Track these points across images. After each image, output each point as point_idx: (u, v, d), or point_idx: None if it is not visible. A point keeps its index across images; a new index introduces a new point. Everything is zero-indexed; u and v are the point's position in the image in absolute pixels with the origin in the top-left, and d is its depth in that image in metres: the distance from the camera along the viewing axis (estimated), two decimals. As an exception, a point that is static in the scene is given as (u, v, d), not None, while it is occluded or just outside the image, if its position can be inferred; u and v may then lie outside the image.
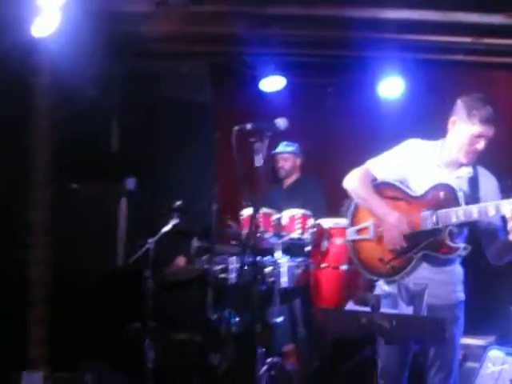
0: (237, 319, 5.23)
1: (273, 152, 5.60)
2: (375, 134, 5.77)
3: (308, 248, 4.84)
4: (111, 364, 4.55)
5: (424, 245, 3.15)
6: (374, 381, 2.84)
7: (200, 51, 5.75)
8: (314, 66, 5.91)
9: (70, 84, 5.12)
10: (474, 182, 3.19)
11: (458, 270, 3.29)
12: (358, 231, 3.43)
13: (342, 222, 4.73)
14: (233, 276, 5.13)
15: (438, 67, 5.87)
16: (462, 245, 3.10)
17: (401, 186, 3.30)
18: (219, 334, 5.06)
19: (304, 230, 4.79)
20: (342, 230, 4.72)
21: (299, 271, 4.93)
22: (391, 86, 5.79)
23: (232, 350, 5.08)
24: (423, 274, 3.20)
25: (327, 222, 4.77)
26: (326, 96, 5.96)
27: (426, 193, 3.20)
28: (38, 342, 4.81)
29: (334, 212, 5.04)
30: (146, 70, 5.67)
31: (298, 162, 5.67)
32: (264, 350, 4.95)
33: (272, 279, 4.97)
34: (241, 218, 4.93)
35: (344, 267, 4.68)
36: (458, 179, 3.20)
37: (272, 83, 5.82)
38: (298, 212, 4.83)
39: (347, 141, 5.96)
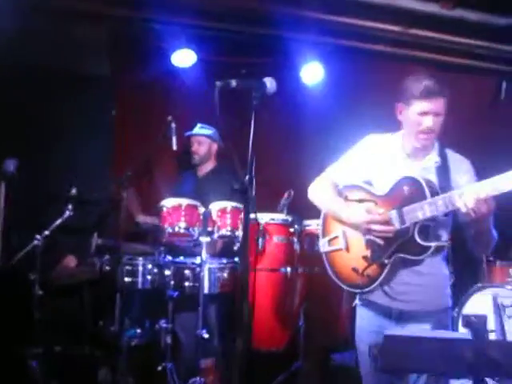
0: (138, 330, 4.53)
1: (186, 134, 4.95)
2: (298, 121, 5.39)
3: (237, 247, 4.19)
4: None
5: (395, 247, 2.83)
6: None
7: (98, 12, 4.78)
8: (229, 43, 5.22)
9: None
10: (442, 170, 2.92)
11: (442, 271, 2.97)
12: (330, 241, 3.07)
13: (280, 217, 4.18)
14: (140, 280, 4.41)
15: (358, 56, 5.48)
16: (433, 243, 2.78)
17: (365, 187, 3.03)
18: (115, 347, 4.32)
19: (236, 225, 4.11)
20: (280, 227, 4.17)
21: (224, 275, 4.28)
22: (311, 73, 5.32)
23: (126, 365, 4.37)
24: (402, 280, 2.90)
25: (262, 217, 4.13)
26: (241, 77, 5.30)
27: (391, 190, 2.93)
28: None
29: (261, 207, 4.45)
30: (29, 32, 4.59)
31: (215, 148, 5.01)
32: (174, 366, 4.35)
33: (190, 284, 4.31)
34: (162, 209, 4.14)
35: (283, 270, 4.07)
36: (424, 170, 2.93)
37: (182, 58, 5.06)
38: (228, 205, 4.14)
39: (268, 127, 5.36)
